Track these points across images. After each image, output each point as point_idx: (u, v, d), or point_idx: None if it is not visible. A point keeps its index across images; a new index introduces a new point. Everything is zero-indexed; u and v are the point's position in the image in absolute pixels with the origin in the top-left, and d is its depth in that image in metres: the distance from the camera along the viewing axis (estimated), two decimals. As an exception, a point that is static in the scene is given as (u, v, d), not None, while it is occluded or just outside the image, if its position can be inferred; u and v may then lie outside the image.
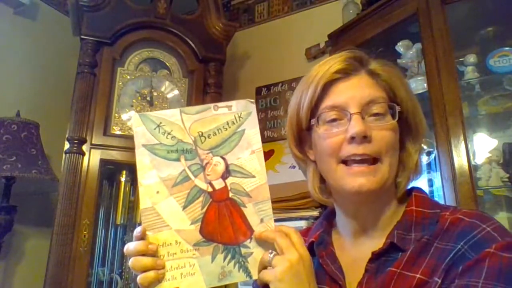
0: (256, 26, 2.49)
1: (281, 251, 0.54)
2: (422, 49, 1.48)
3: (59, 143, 1.77)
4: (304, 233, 0.73)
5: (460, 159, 1.28)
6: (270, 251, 0.55)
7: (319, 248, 0.66)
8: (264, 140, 2.23)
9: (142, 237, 0.54)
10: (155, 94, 1.91)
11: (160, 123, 0.58)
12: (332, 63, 0.62)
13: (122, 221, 1.80)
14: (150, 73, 1.94)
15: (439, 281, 0.52)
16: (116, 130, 1.80)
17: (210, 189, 0.57)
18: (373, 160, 0.58)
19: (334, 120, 0.61)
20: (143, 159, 0.57)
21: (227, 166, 0.57)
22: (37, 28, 2.15)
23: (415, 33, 1.52)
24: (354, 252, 0.63)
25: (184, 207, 0.55)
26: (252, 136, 0.59)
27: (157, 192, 0.55)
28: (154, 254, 0.53)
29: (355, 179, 0.58)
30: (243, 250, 0.56)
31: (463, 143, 1.29)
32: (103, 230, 1.77)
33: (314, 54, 2.16)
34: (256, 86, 2.34)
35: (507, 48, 1.44)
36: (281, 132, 2.19)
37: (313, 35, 2.16)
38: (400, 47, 1.64)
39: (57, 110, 2.03)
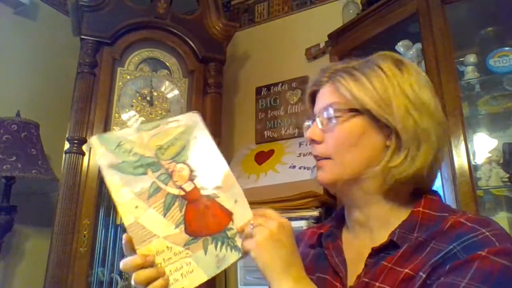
0: (256, 26, 2.49)
1: (264, 219, 0.58)
2: (422, 49, 1.48)
3: (59, 143, 1.77)
4: (319, 227, 0.76)
5: (460, 159, 1.28)
6: (251, 223, 0.59)
7: (327, 240, 0.69)
8: (264, 140, 2.24)
9: (132, 251, 0.56)
10: (155, 94, 1.91)
11: (120, 142, 0.61)
12: (314, 76, 0.71)
13: (122, 221, 1.79)
14: (150, 73, 1.94)
15: (424, 275, 0.53)
16: (116, 130, 1.80)
17: (182, 193, 0.60)
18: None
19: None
20: (113, 179, 0.58)
21: (190, 169, 0.62)
22: (37, 28, 2.15)
23: (415, 33, 1.52)
24: (358, 246, 0.65)
25: (165, 214, 0.58)
26: (204, 139, 0.64)
27: (136, 207, 0.58)
28: (152, 265, 0.55)
29: (318, 172, 0.66)
30: (229, 233, 0.60)
31: (463, 143, 1.29)
32: (103, 230, 1.77)
33: (314, 54, 2.16)
34: (256, 86, 2.34)
35: (507, 48, 1.45)
36: (281, 132, 2.19)
37: (313, 35, 2.16)
38: (400, 47, 1.64)
39: (57, 110, 2.03)
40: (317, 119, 0.66)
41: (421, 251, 0.56)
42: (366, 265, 0.60)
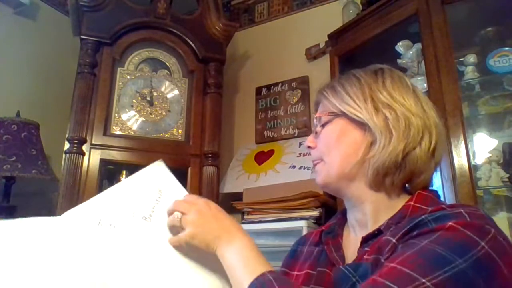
0: (256, 26, 2.49)
1: (186, 207, 0.66)
2: (422, 49, 1.48)
3: (59, 143, 1.77)
4: (324, 226, 0.80)
5: (460, 159, 1.28)
6: (174, 214, 0.66)
7: (327, 236, 0.73)
8: (264, 140, 2.24)
9: None
10: (155, 94, 1.91)
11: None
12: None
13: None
14: (150, 73, 1.94)
15: (394, 240, 0.56)
16: (116, 130, 1.80)
17: None
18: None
19: None
20: None
21: None
22: (37, 28, 2.15)
23: (415, 33, 1.52)
24: (356, 243, 0.67)
25: None
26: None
27: None
28: None
29: (315, 176, 0.74)
30: None
31: (463, 143, 1.29)
32: (103, 230, 1.77)
33: (314, 54, 2.16)
34: (256, 86, 2.34)
35: (507, 48, 1.45)
36: (281, 132, 2.19)
37: (313, 35, 2.16)
38: (400, 47, 1.64)
39: (57, 110, 2.03)
40: (312, 131, 0.76)
41: (398, 230, 0.58)
42: (357, 253, 0.64)
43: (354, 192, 0.69)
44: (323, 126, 0.72)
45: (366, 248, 0.62)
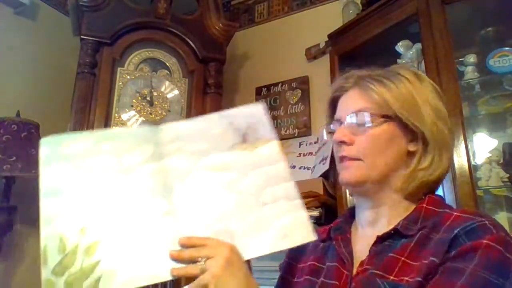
0: (256, 26, 2.49)
1: (211, 249, 0.56)
2: (422, 49, 1.48)
3: (59, 143, 1.76)
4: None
5: (460, 159, 1.28)
6: (198, 260, 0.56)
7: (336, 232, 0.74)
8: (264, 140, 2.23)
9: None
10: (155, 94, 1.91)
11: None
12: (336, 81, 0.75)
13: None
14: (150, 73, 1.94)
15: (436, 260, 0.56)
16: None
17: None
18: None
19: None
20: None
21: None
22: (37, 28, 2.15)
23: (415, 33, 1.52)
24: (366, 239, 0.69)
25: None
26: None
27: None
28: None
29: (343, 172, 0.69)
30: None
31: (463, 143, 1.29)
32: (103, 230, 1.77)
33: (314, 54, 2.16)
34: (256, 86, 2.34)
35: (507, 48, 1.45)
36: (281, 132, 2.18)
37: (313, 35, 2.16)
38: (400, 47, 1.64)
39: (57, 110, 2.03)
40: (346, 122, 0.69)
41: (428, 244, 0.60)
42: (370, 252, 0.64)
43: (382, 196, 0.68)
44: (368, 125, 0.67)
45: (392, 255, 0.61)
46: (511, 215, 1.44)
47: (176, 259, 0.56)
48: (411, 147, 0.67)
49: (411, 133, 0.66)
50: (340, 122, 0.71)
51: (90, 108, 1.75)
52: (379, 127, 0.67)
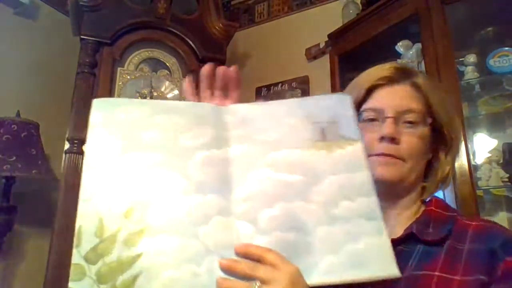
0: (256, 26, 2.49)
1: (270, 271, 0.47)
2: (422, 49, 1.48)
3: (59, 143, 1.76)
4: None
5: (460, 159, 1.28)
6: (253, 282, 0.46)
7: None
8: (264, 140, 2.23)
9: None
10: (155, 94, 1.91)
11: None
12: (379, 70, 0.70)
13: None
14: (150, 73, 1.94)
15: (485, 278, 0.54)
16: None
17: None
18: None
19: (371, 120, 0.68)
20: None
21: None
22: (37, 28, 2.15)
23: (415, 33, 1.52)
24: None
25: None
26: None
27: None
28: None
29: (380, 167, 0.64)
30: None
31: (463, 143, 1.29)
32: (103, 230, 1.77)
33: (314, 54, 2.16)
34: (256, 86, 2.34)
35: (507, 48, 1.45)
36: (281, 132, 2.18)
37: (313, 35, 2.16)
38: (400, 47, 1.64)
39: (57, 110, 2.03)
40: (394, 118, 0.65)
41: (459, 256, 0.58)
42: None
43: (402, 200, 0.67)
44: (416, 126, 0.65)
45: (425, 273, 0.57)
46: (511, 215, 1.44)
47: (227, 270, 0.47)
48: (441, 155, 0.69)
49: (435, 141, 0.68)
50: (382, 114, 0.66)
51: (90, 108, 1.74)
52: (423, 132, 0.66)
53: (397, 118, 0.65)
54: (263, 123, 0.55)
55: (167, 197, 0.50)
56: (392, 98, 0.67)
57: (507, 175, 1.39)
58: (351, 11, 1.92)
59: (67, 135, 1.70)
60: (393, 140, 0.63)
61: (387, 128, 0.64)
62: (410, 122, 0.65)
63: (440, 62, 1.39)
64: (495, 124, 1.55)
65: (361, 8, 1.86)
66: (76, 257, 0.47)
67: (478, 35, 1.58)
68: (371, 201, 0.52)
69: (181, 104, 0.56)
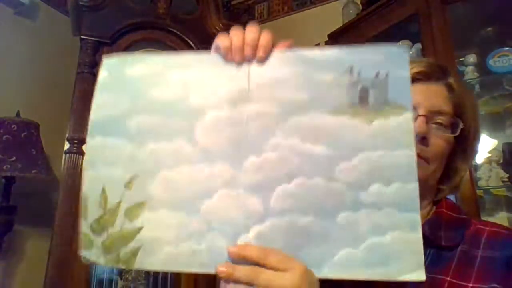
0: (256, 26, 2.49)
1: (272, 280, 0.41)
2: (422, 49, 1.48)
3: (59, 143, 1.76)
4: None
5: (460, 159, 1.28)
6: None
7: None
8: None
9: None
10: (155, 94, 1.90)
11: None
12: (415, 64, 0.66)
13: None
14: (150, 73, 1.94)
15: (500, 287, 0.53)
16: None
17: None
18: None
19: None
20: None
21: None
22: (37, 28, 2.15)
23: (415, 33, 1.52)
24: None
25: None
26: None
27: None
28: None
29: None
30: None
31: (463, 143, 1.29)
32: (103, 230, 1.76)
33: (314, 54, 2.15)
34: (256, 86, 2.34)
35: (507, 48, 1.45)
36: (281, 132, 2.18)
37: (313, 35, 2.16)
38: (400, 47, 1.64)
39: (57, 110, 2.03)
40: (424, 117, 0.62)
41: (473, 262, 0.57)
42: None
43: (421, 202, 0.68)
44: (444, 130, 0.63)
45: (438, 276, 0.56)
46: (511, 215, 1.44)
47: (233, 257, 0.43)
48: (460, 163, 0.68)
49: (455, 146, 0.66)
50: (414, 111, 0.61)
51: (90, 108, 1.74)
52: (448, 136, 0.64)
53: (428, 117, 0.62)
54: (290, 77, 0.46)
55: (169, 167, 0.46)
56: (427, 97, 0.63)
57: (507, 175, 1.39)
58: (351, 11, 1.92)
59: (67, 135, 1.70)
60: (423, 139, 0.61)
61: (419, 126, 0.60)
62: (439, 124, 0.63)
63: (440, 62, 1.39)
64: (495, 124, 1.55)
65: (361, 8, 1.86)
66: (84, 227, 0.46)
67: (478, 35, 1.58)
68: (410, 189, 0.42)
69: (196, 57, 0.49)
